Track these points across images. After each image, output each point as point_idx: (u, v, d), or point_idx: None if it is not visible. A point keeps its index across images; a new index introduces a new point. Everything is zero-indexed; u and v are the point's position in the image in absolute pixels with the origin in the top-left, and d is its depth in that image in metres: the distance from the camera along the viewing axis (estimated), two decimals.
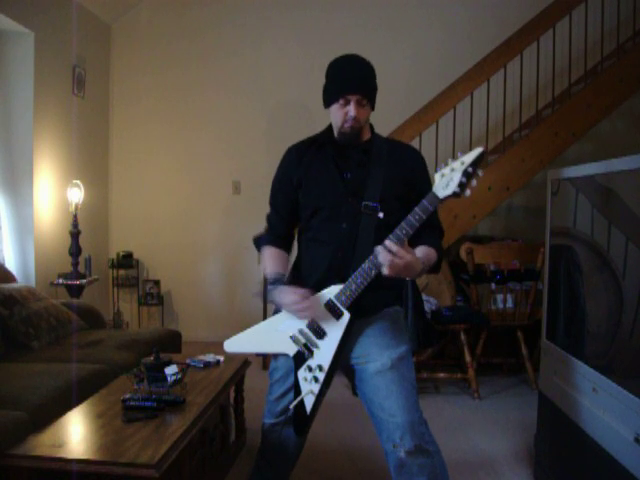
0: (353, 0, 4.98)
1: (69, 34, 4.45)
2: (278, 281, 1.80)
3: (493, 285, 3.81)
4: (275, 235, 1.95)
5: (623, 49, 4.31)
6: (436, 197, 1.54)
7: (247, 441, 2.87)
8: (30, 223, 4.04)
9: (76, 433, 1.93)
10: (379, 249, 1.56)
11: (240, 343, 1.89)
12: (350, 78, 1.76)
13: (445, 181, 1.52)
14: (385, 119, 3.44)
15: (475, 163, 1.49)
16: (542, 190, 2.66)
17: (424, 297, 3.39)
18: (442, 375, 3.70)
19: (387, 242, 1.56)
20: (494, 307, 3.84)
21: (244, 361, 2.75)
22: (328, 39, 4.81)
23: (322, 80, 1.85)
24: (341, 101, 1.76)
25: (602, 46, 4.22)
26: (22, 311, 3.01)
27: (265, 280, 2.00)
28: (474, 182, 1.51)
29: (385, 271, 1.56)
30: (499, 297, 3.88)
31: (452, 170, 1.52)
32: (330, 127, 1.89)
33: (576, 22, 4.16)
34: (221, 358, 2.69)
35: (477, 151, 1.50)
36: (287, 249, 1.96)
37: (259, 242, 1.97)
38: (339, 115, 1.78)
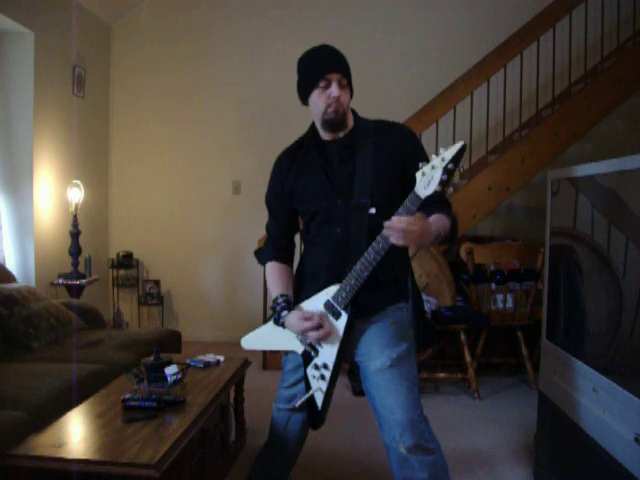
0: (353, 1, 4.98)
1: (69, 34, 4.45)
2: (284, 308, 1.81)
3: (493, 285, 3.81)
4: (276, 247, 1.95)
5: (623, 49, 4.31)
6: (418, 197, 1.52)
7: (247, 441, 2.87)
8: (30, 223, 4.04)
9: (76, 433, 1.93)
10: (387, 224, 1.51)
11: (256, 340, 1.95)
12: (327, 59, 1.75)
13: (426, 180, 1.49)
14: (385, 119, 3.43)
15: (456, 159, 1.45)
16: (542, 190, 2.65)
17: (424, 297, 3.39)
18: (442, 375, 3.69)
19: (394, 218, 1.51)
20: (494, 307, 3.84)
21: (244, 361, 2.75)
22: (328, 40, 4.68)
23: None
24: (321, 84, 1.72)
25: (602, 46, 4.22)
26: (22, 311, 3.01)
27: (269, 297, 2.03)
28: (456, 179, 1.49)
29: (398, 242, 1.51)
30: (499, 297, 3.88)
31: (433, 168, 1.48)
32: (312, 127, 1.86)
33: (576, 22, 4.16)
34: (221, 358, 2.68)
35: (457, 146, 1.45)
36: (290, 261, 1.96)
37: (261, 257, 1.98)
38: (321, 100, 1.73)
